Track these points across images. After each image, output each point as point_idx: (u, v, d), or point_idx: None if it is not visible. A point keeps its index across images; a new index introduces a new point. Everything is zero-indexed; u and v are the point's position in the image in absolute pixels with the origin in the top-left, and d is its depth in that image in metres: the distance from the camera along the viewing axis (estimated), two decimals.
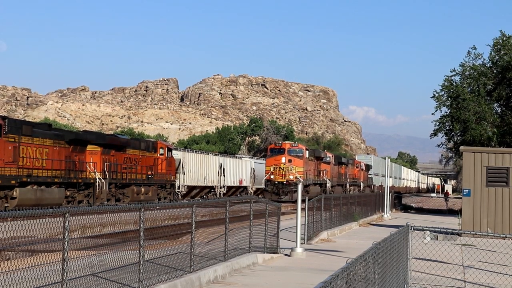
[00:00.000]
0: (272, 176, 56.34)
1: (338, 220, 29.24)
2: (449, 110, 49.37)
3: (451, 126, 49.74)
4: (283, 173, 56.00)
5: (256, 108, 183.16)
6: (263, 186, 61.65)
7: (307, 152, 58.65)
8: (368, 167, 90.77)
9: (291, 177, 55.66)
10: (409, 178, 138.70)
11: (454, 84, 49.37)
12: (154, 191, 44.26)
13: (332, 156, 71.41)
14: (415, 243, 13.12)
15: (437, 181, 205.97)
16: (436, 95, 49.49)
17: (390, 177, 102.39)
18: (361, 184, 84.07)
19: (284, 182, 55.82)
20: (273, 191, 55.70)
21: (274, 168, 56.25)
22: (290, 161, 56.26)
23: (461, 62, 49.57)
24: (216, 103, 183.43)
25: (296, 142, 67.28)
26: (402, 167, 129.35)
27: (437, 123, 50.73)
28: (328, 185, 64.89)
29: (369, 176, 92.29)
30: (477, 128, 46.67)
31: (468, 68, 49.34)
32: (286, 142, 63.41)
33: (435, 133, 51.44)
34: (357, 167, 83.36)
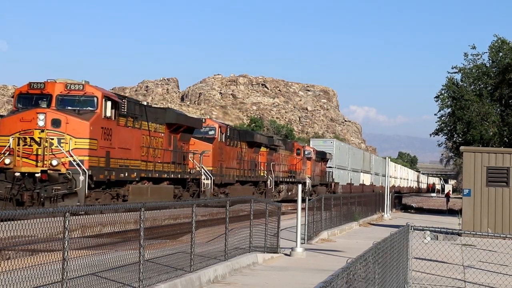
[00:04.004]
0: (8, 160, 24.95)
1: (338, 220, 29.25)
2: (452, 110, 49.26)
3: (453, 127, 49.69)
4: (39, 152, 24.91)
5: (256, 108, 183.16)
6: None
7: (106, 102, 26.47)
8: (323, 155, 62.50)
9: (54, 162, 24.79)
10: (399, 176, 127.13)
11: (456, 83, 49.33)
12: None
13: (224, 127, 40.64)
14: (415, 243, 13.11)
15: (437, 181, 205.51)
16: (440, 95, 49.44)
17: (370, 173, 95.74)
18: (307, 181, 56.43)
19: (38, 174, 24.66)
20: (6, 197, 24.33)
21: (17, 140, 25.09)
22: (56, 123, 25.38)
23: (460, 65, 49.65)
24: (216, 103, 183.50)
25: (86, 80, 27.41)
26: (389, 161, 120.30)
27: (440, 122, 50.70)
28: (207, 182, 36.82)
29: (328, 169, 66.15)
30: (479, 128, 46.65)
31: (468, 69, 49.30)
32: (58, 80, 26.50)
33: (436, 132, 51.39)
34: (298, 155, 55.17)
